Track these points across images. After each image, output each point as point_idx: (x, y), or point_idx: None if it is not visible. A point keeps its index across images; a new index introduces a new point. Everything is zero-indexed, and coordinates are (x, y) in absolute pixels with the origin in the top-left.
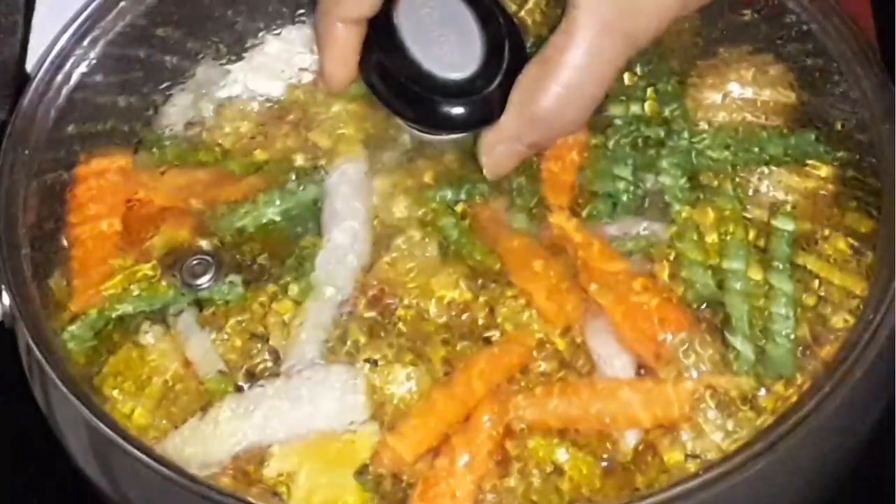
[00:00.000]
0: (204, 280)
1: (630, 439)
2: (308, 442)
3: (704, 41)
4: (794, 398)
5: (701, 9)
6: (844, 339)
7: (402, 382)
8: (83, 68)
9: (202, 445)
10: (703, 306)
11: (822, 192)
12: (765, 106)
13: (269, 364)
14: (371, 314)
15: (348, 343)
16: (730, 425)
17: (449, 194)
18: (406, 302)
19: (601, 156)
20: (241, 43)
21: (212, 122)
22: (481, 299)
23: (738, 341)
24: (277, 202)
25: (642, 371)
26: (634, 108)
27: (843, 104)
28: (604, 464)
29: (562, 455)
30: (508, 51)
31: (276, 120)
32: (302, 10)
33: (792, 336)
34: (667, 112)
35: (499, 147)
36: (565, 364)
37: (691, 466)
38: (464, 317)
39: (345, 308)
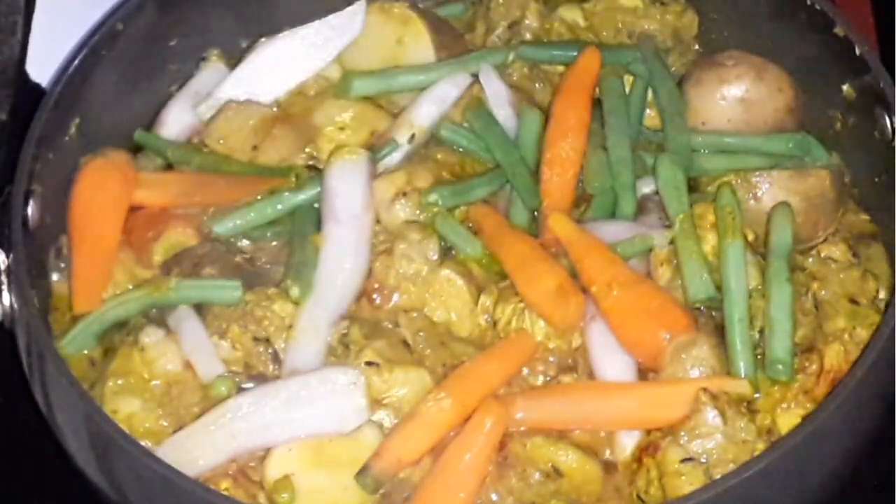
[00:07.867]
0: (204, 282)
1: (629, 441)
2: (308, 443)
3: (703, 44)
4: (794, 400)
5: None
6: (844, 340)
7: (402, 384)
8: (86, 72)
9: (202, 446)
10: (703, 308)
11: (821, 193)
12: (763, 108)
13: (270, 366)
14: (371, 316)
15: (349, 345)
16: (729, 427)
17: (449, 197)
18: (406, 304)
19: (600, 159)
20: (241, 47)
21: (212, 125)
22: (482, 300)
23: (737, 343)
24: (278, 204)
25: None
26: (634, 111)
27: (842, 105)
28: (603, 465)
29: (562, 456)
30: None
31: (277, 122)
32: (301, 15)
33: (791, 337)
34: (666, 114)
35: None
36: (565, 366)
37: (691, 468)
38: (464, 318)
39: (345, 310)
